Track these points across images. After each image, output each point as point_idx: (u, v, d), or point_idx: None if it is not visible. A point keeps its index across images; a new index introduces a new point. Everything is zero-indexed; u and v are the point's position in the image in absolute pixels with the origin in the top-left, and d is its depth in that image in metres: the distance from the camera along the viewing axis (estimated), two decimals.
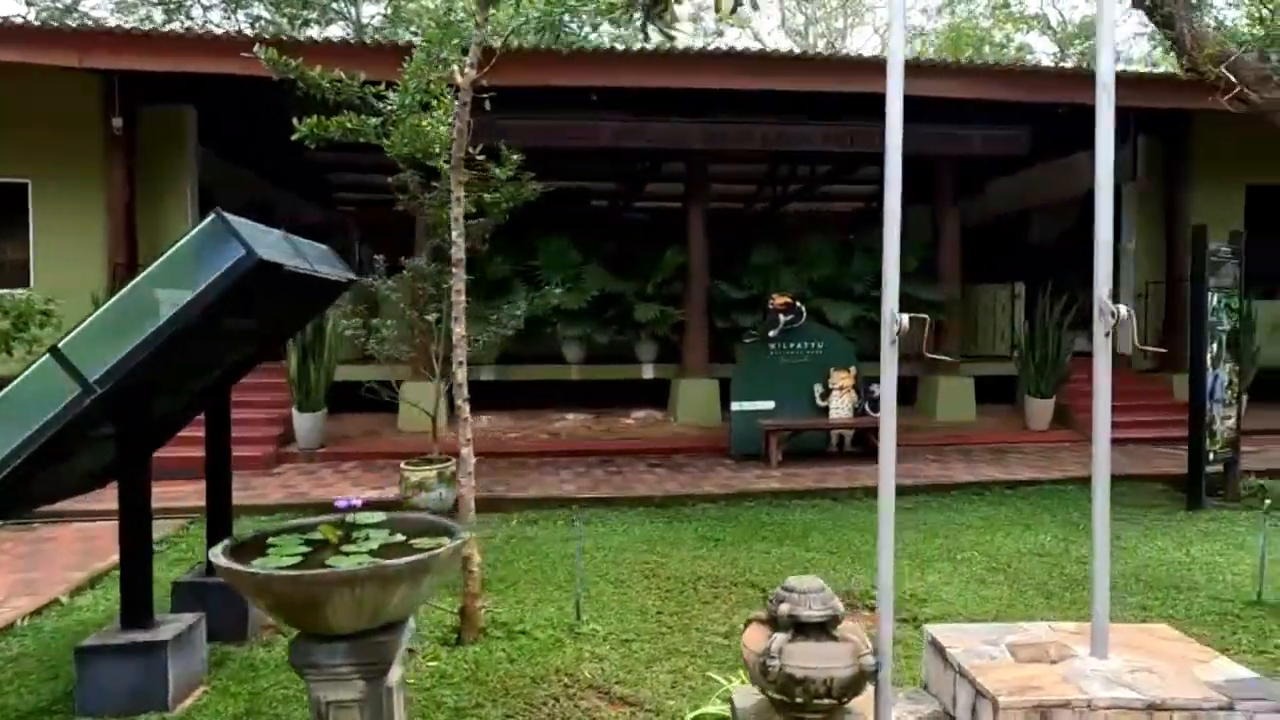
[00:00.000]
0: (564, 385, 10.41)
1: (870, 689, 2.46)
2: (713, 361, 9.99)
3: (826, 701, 2.38)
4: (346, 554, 2.45)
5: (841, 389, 8.77)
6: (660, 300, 9.88)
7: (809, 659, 2.37)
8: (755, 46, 28.96)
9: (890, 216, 2.85)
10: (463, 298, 3.96)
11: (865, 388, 8.80)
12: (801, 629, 2.42)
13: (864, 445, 8.91)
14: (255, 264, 3.04)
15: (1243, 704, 2.33)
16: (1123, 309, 2.61)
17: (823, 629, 2.43)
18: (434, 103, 4.57)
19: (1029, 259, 13.45)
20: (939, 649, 2.75)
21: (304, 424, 8.42)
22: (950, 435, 9.68)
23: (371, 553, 2.46)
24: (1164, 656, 2.61)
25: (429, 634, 3.96)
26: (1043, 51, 29.37)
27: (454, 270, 3.92)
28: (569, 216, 12.23)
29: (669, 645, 3.97)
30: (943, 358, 6.72)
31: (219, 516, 4.04)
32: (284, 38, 10.39)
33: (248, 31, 18.10)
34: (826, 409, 8.77)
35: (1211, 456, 6.95)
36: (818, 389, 8.77)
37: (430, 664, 3.67)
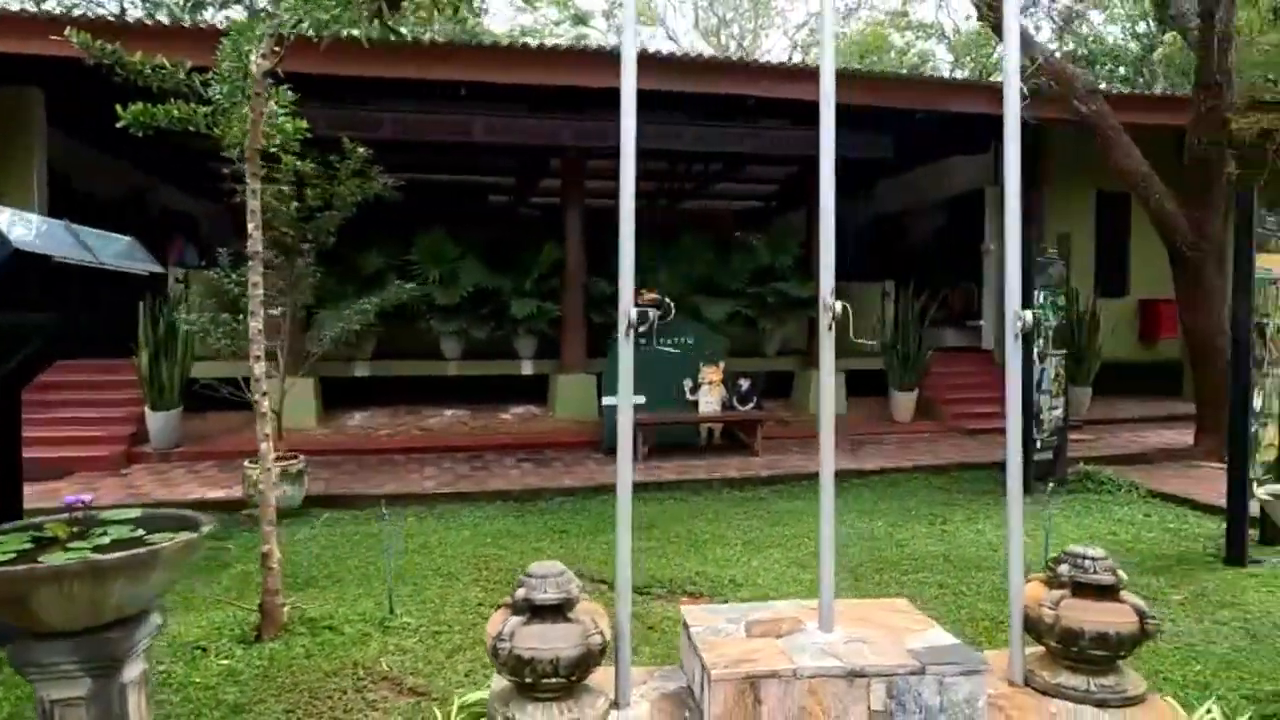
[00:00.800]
0: (443, 381, 10.34)
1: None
2: (591, 357, 10.08)
3: (554, 681, 2.49)
4: (70, 550, 2.41)
5: (711, 384, 8.98)
6: (538, 296, 9.91)
7: (537, 640, 2.48)
8: (659, 47, 29.25)
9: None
10: (260, 291, 3.90)
11: (734, 382, 9.04)
12: (537, 612, 2.54)
13: (733, 439, 9.16)
14: (10, 255, 2.95)
15: (933, 668, 2.53)
16: (837, 305, 2.79)
17: (557, 611, 2.54)
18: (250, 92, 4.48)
19: (906, 257, 14.02)
20: (685, 627, 2.89)
21: (157, 423, 8.13)
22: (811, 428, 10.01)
23: (98, 548, 2.43)
24: (885, 628, 2.81)
25: (228, 632, 3.91)
26: (942, 59, 30.48)
27: (250, 263, 3.87)
28: (460, 211, 12.16)
29: (478, 636, 4.02)
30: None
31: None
32: (111, 18, 9.91)
33: (128, 12, 17.26)
34: (696, 403, 8.97)
35: (1039, 444, 7.42)
36: (687, 384, 8.96)
37: (222, 662, 3.63)
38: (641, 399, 8.86)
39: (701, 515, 6.50)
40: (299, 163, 5.28)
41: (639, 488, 7.40)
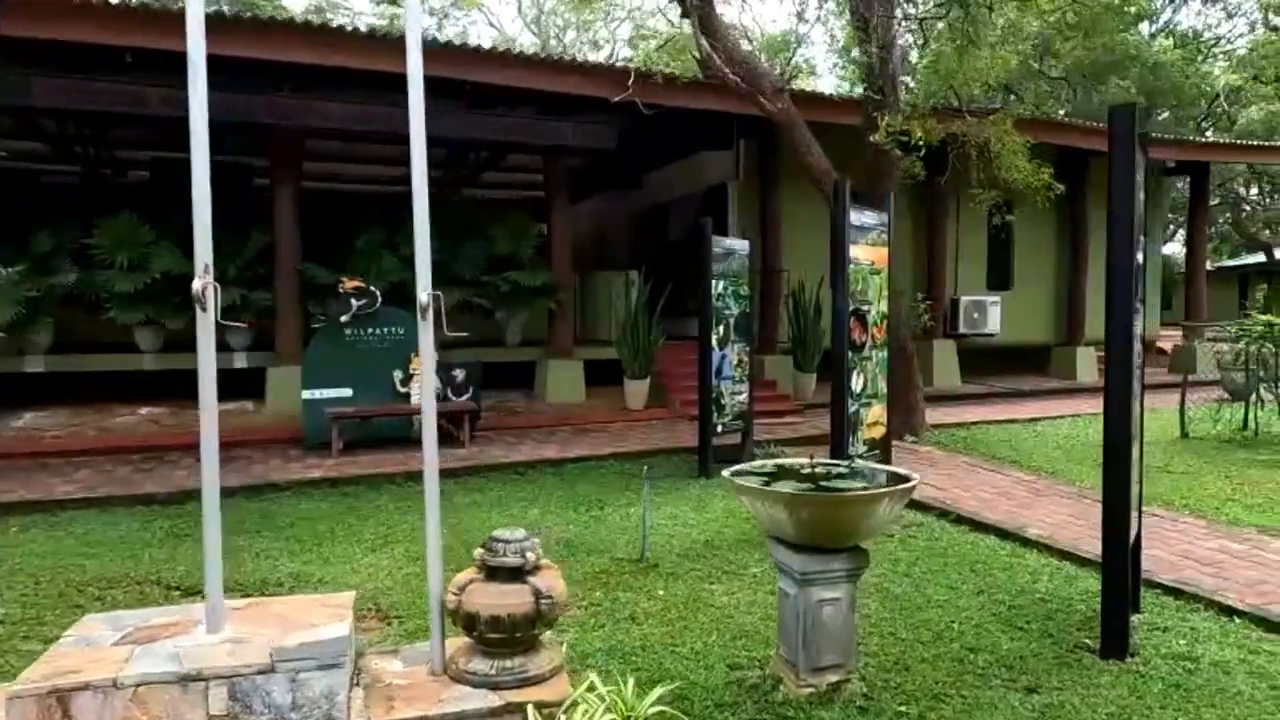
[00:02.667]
0: (142, 376, 9.50)
1: None
2: (308, 348, 9.55)
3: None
4: None
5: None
6: (246, 284, 9.28)
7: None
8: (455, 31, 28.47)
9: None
10: None
11: (448, 372, 8.84)
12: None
13: (450, 430, 8.95)
14: None
15: (284, 665, 2.42)
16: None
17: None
18: None
19: (665, 248, 14.36)
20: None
21: None
22: (553, 417, 10.03)
23: None
24: (284, 625, 2.68)
25: None
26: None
27: None
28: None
29: None
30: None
31: None
32: None
33: None
34: (408, 395, 8.70)
35: (720, 428, 7.70)
36: (397, 375, 8.67)
37: None
38: (348, 391, 8.53)
39: (357, 511, 6.25)
40: None
41: (317, 484, 7.12)
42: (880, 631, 3.95)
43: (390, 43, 8.45)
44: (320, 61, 8.22)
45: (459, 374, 8.84)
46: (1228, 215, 29.42)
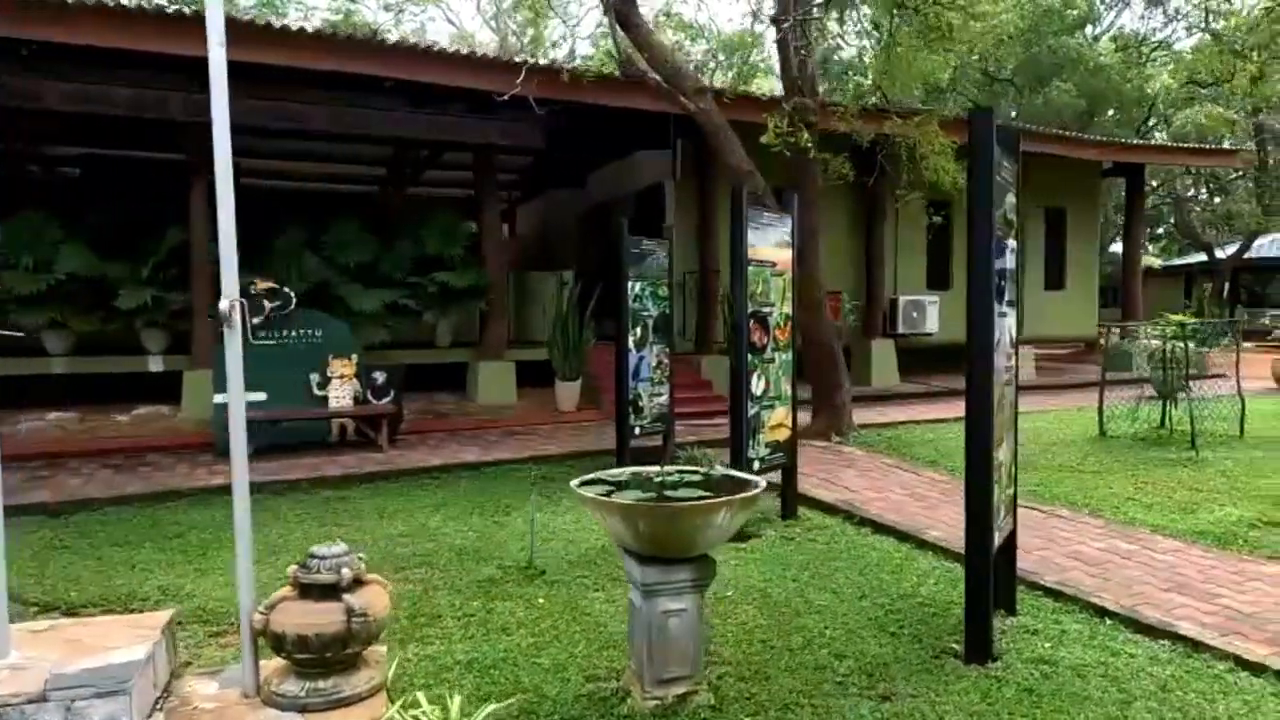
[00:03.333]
0: (52, 380, 9.20)
1: None
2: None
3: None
4: None
5: (342, 377, 8.55)
6: (160, 285, 9.03)
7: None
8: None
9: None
10: None
11: (368, 375, 8.68)
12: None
13: (368, 434, 8.79)
14: None
15: (58, 694, 2.29)
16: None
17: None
18: None
19: (605, 248, 14.27)
20: None
21: None
22: (482, 420, 9.90)
23: None
24: (76, 649, 2.55)
25: None
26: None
27: None
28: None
29: None
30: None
31: None
32: None
33: None
34: (325, 398, 8.52)
35: (639, 430, 7.64)
36: (314, 378, 8.49)
37: None
38: (262, 395, 8.30)
39: (253, 519, 6.05)
40: None
41: (218, 491, 6.89)
42: (751, 639, 3.90)
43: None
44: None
45: (379, 376, 8.68)
46: (1174, 217, 30.11)
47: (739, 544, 5.40)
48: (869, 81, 10.09)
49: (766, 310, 5.76)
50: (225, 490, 6.80)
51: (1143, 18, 25.55)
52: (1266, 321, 14.71)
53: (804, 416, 9.97)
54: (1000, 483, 3.89)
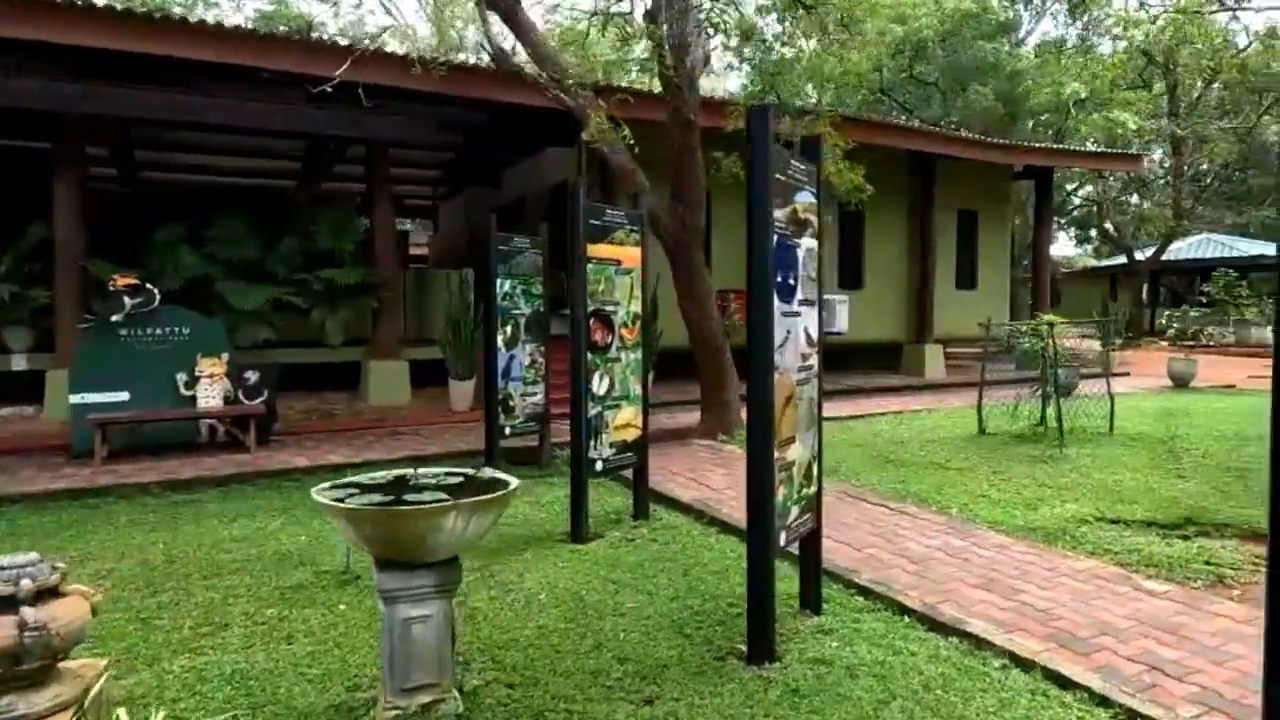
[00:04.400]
0: None
1: None
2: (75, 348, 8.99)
3: None
4: None
5: (212, 377, 8.29)
6: (21, 281, 8.66)
7: None
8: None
9: None
10: None
11: (239, 374, 8.43)
12: None
13: (234, 435, 8.55)
14: None
15: None
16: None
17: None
18: None
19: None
20: None
21: None
22: (370, 420, 9.70)
23: None
24: None
25: None
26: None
27: None
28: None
29: None
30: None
31: None
32: None
33: None
34: (194, 398, 8.25)
35: (509, 430, 7.54)
36: (181, 377, 8.22)
37: None
38: (124, 395, 8.04)
39: (81, 525, 5.83)
40: None
41: (57, 496, 6.59)
42: (542, 644, 3.83)
43: None
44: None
45: (251, 376, 8.44)
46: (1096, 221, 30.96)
47: (577, 546, 5.34)
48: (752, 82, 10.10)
49: (610, 309, 5.71)
50: (64, 495, 6.61)
51: (1068, 24, 26.16)
52: (1164, 322, 15.15)
53: (693, 416, 10.02)
54: (791, 482, 3.88)
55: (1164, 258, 27.81)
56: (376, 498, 3.03)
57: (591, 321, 5.53)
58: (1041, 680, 3.45)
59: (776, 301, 3.66)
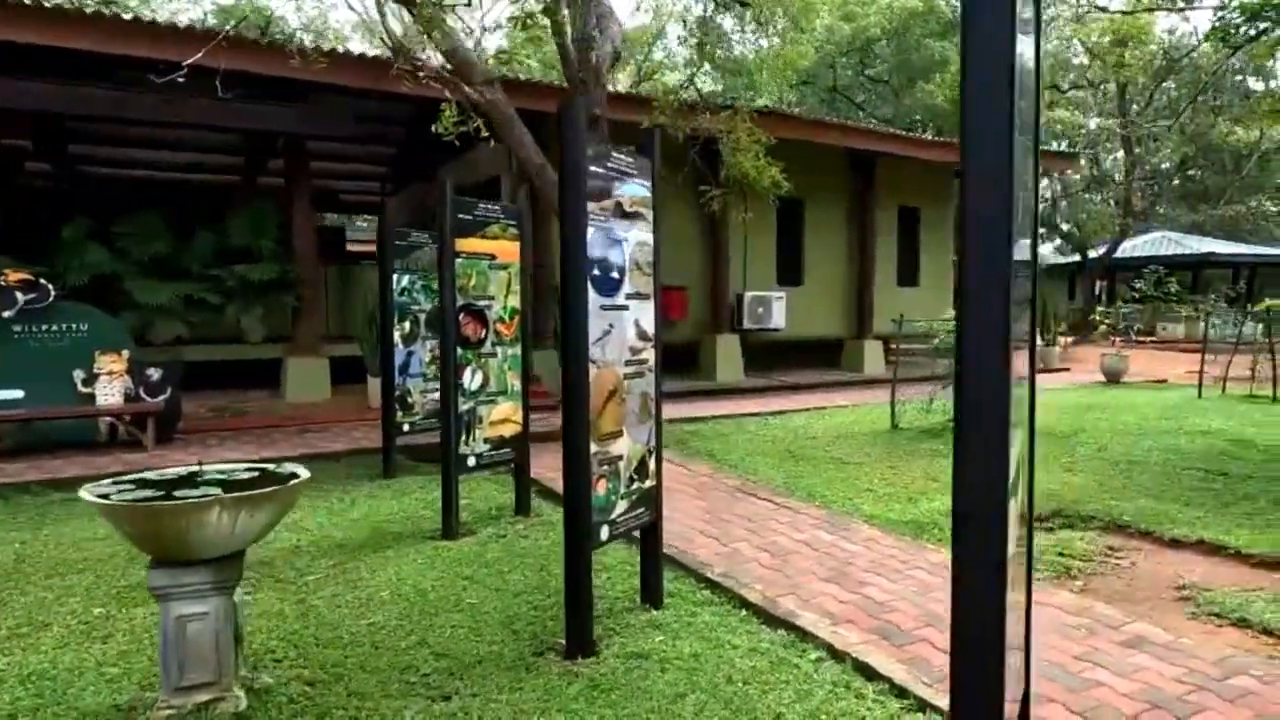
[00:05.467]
0: None
1: None
2: None
3: None
4: None
5: (111, 374, 8.15)
6: None
7: None
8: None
9: None
10: None
11: (141, 371, 8.29)
12: None
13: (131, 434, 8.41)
14: None
15: None
16: None
17: None
18: None
19: None
20: None
21: None
22: (284, 417, 9.58)
23: None
24: None
25: None
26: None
27: None
28: None
29: None
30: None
31: None
32: None
33: None
34: (92, 395, 8.11)
35: (407, 428, 7.47)
36: (79, 375, 8.07)
37: None
38: (18, 393, 7.89)
39: None
40: None
41: None
42: (364, 641, 3.79)
43: None
44: None
45: (154, 373, 8.30)
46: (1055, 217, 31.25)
47: (445, 542, 5.30)
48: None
49: (484, 304, 5.66)
50: None
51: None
52: (1097, 318, 15.31)
53: None
54: (618, 476, 3.87)
55: (1116, 255, 28.17)
56: (148, 494, 2.97)
57: (462, 316, 5.48)
58: (850, 672, 3.46)
59: (594, 294, 3.64)
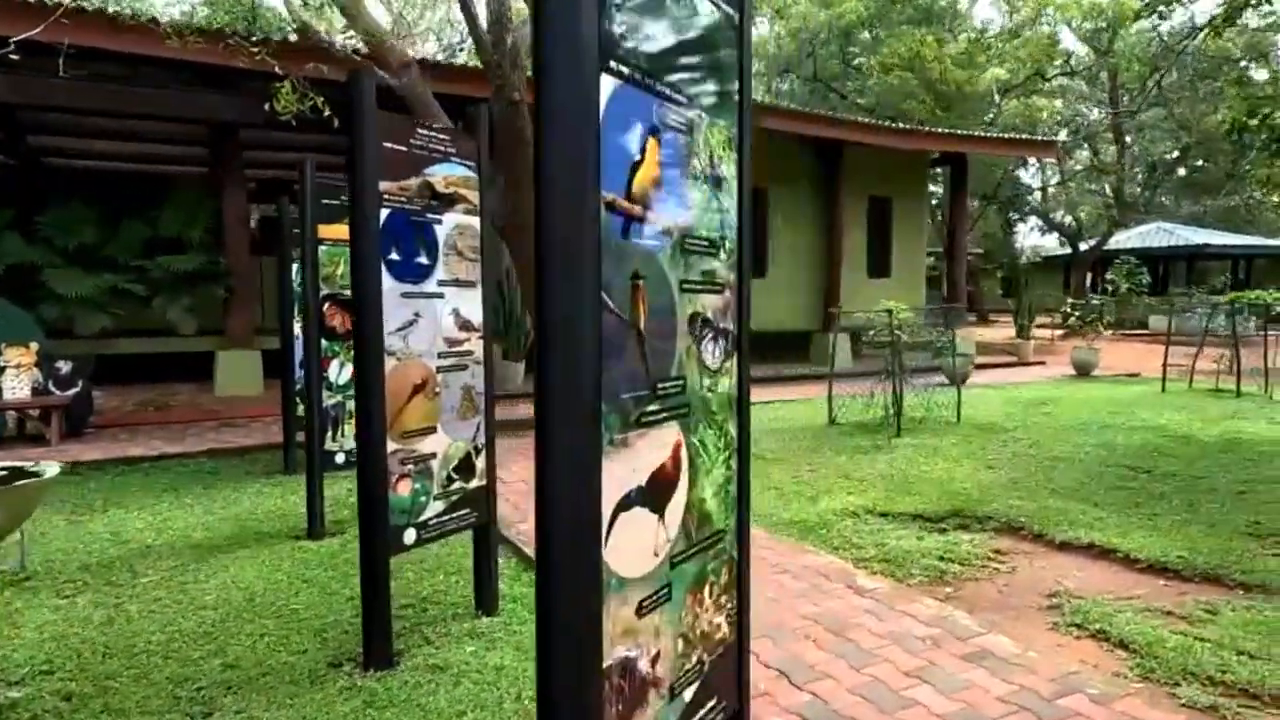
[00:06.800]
0: None
1: None
2: None
3: None
4: None
5: (19, 366, 7.95)
6: None
7: None
8: None
9: None
10: None
11: (51, 364, 8.10)
12: None
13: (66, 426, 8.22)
14: None
15: None
16: None
17: None
18: None
19: None
20: None
21: None
22: (209, 411, 9.37)
23: None
24: None
25: None
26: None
27: None
28: None
29: None
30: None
31: None
32: None
33: None
34: None
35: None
36: None
37: None
38: None
39: None
40: None
41: None
42: (155, 651, 3.56)
43: None
44: None
45: (64, 365, 8.10)
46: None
47: (306, 543, 5.08)
48: None
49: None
50: None
51: (992, 4, 25.80)
52: (1068, 309, 14.95)
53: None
54: (430, 475, 3.63)
55: (1107, 247, 27.73)
56: None
57: (328, 307, 5.25)
58: None
59: (392, 281, 3.40)
